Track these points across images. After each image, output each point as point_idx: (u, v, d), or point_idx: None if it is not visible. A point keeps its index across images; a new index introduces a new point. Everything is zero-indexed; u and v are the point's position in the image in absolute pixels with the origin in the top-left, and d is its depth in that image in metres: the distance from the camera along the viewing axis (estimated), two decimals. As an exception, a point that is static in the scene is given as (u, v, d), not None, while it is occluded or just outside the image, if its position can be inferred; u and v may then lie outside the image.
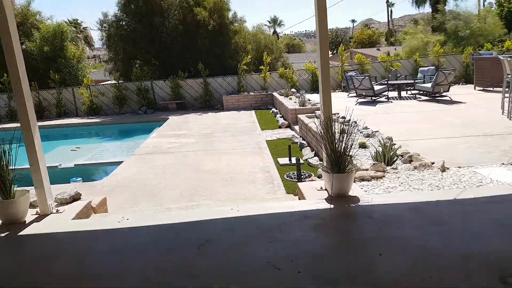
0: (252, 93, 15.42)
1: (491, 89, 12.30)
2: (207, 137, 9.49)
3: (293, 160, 6.26)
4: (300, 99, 10.72)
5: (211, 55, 16.60)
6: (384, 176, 4.53)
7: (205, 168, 6.65)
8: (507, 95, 7.76)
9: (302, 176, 5.56)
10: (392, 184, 4.28)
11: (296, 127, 9.09)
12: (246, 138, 9.11)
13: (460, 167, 4.71)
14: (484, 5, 30.88)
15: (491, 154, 5.24)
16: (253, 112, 13.68)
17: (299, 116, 8.61)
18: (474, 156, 5.20)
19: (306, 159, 6.47)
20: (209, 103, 15.71)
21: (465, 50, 16.31)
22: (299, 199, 4.41)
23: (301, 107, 9.76)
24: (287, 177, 5.72)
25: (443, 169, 4.59)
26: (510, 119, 7.30)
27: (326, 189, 3.99)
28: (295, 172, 5.71)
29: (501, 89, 8.83)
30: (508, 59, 7.46)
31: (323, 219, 3.43)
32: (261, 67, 15.80)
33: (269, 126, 10.55)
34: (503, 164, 4.75)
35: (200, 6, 16.70)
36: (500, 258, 2.54)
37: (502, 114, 7.91)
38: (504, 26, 22.68)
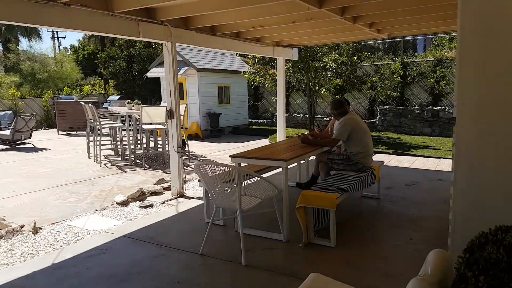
0: None
1: (75, 133, 13.35)
2: None
3: None
4: None
5: None
6: (-45, 259, 3.69)
7: None
8: (91, 139, 8.60)
9: None
10: (-32, 267, 3.54)
11: None
12: None
13: (54, 223, 4.62)
14: (60, 49, 33.46)
15: (84, 202, 5.54)
16: None
17: None
18: (67, 208, 5.28)
19: None
20: None
21: (44, 93, 16.83)
22: None
23: None
24: None
25: (36, 230, 4.33)
26: (96, 163, 8.10)
27: None
28: None
29: (85, 132, 9.71)
30: (90, 105, 8.29)
31: None
32: None
33: None
34: (96, 210, 5.12)
35: None
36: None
37: (89, 158, 8.68)
38: (81, 71, 25.51)
